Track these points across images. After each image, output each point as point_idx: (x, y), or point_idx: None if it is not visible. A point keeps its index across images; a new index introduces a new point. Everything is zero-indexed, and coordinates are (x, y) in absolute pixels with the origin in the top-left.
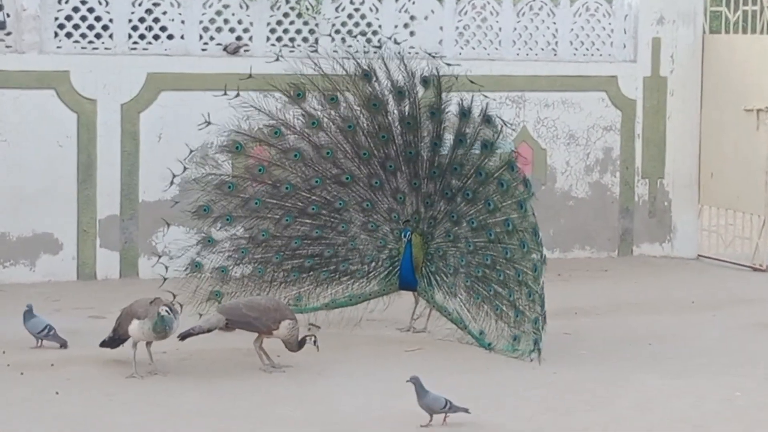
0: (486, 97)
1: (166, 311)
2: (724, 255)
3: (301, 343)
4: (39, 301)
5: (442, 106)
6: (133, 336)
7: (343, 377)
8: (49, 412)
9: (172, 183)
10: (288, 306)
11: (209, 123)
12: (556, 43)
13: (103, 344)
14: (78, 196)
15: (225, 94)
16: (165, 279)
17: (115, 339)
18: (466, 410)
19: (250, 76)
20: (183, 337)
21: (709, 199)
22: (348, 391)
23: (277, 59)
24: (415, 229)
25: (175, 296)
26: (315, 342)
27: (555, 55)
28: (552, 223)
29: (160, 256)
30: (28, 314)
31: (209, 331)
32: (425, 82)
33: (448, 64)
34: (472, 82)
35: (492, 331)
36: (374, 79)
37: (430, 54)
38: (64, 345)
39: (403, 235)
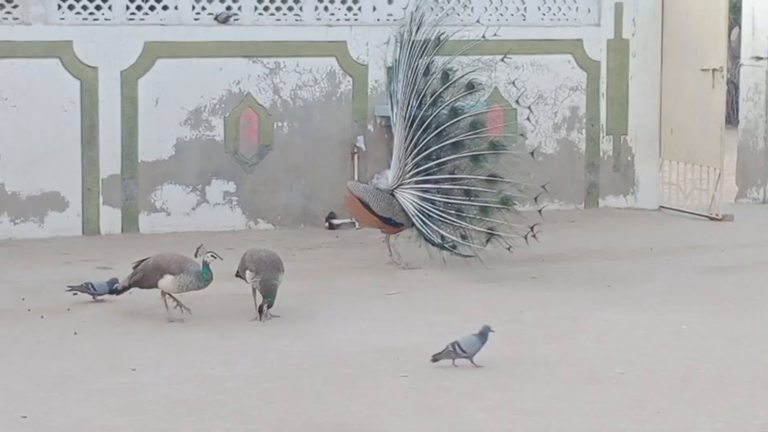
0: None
1: (212, 255)
2: (684, 206)
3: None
4: (49, 255)
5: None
6: (165, 289)
7: (331, 318)
8: (70, 350)
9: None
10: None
11: None
12: (525, 9)
13: (113, 292)
14: (82, 157)
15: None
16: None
17: (124, 288)
18: None
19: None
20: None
21: (670, 153)
22: (335, 329)
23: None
24: None
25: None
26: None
27: (524, 20)
28: (522, 178)
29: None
30: None
31: None
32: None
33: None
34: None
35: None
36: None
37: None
38: None
39: None
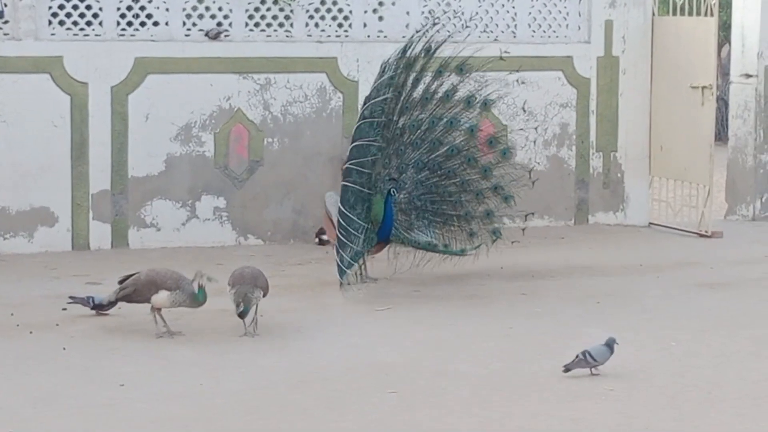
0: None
1: (208, 278)
2: (673, 222)
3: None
4: (38, 270)
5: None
6: (158, 304)
7: (320, 334)
8: (59, 365)
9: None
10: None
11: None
12: (516, 26)
13: (96, 308)
14: (72, 173)
15: None
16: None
17: (111, 303)
18: None
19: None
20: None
21: (659, 170)
22: (325, 345)
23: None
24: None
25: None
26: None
27: (514, 37)
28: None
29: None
30: None
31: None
32: (460, 70)
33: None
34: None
35: (453, 241)
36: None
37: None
38: None
39: (391, 192)
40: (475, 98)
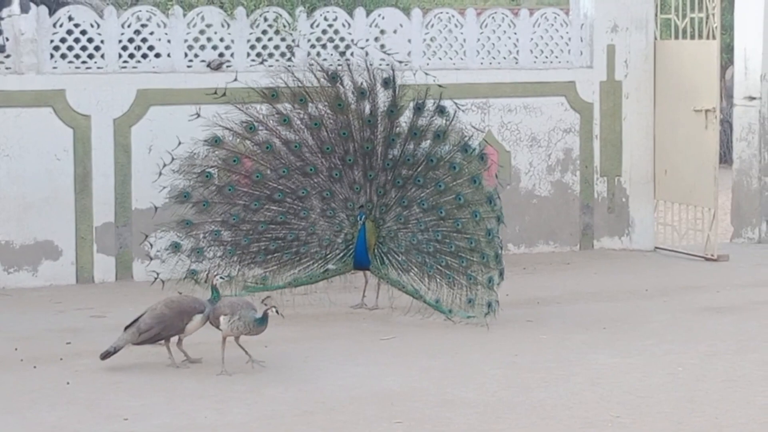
0: (456, 104)
1: (276, 311)
2: (679, 246)
3: (263, 319)
4: (43, 303)
5: (399, 104)
6: (192, 330)
7: (326, 363)
8: (63, 399)
9: (160, 174)
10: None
11: (199, 115)
12: (518, 52)
13: (106, 355)
14: (76, 206)
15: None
16: (157, 275)
17: (117, 349)
18: None
19: (224, 94)
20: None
21: (664, 194)
22: (330, 374)
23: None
24: (369, 214)
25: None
26: (277, 310)
27: (516, 63)
28: (517, 220)
29: (151, 258)
30: None
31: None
32: (386, 83)
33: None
34: (440, 86)
35: (447, 299)
36: (339, 81)
37: (400, 62)
38: None
39: (358, 218)
40: (472, 148)
